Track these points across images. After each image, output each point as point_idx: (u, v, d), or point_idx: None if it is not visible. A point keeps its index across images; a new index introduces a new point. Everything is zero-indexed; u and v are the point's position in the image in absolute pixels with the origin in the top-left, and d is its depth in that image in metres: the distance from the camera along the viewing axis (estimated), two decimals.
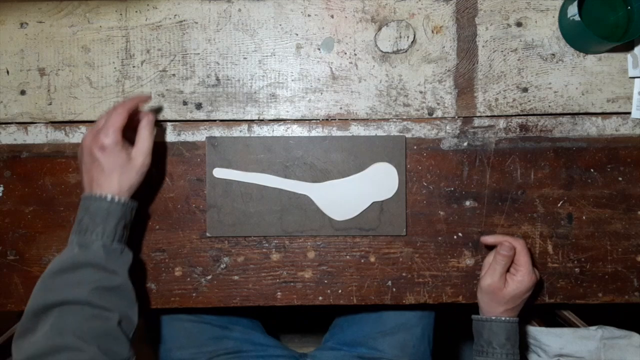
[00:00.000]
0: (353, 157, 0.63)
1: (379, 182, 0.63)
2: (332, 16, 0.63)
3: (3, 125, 0.64)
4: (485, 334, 0.59)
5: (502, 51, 0.63)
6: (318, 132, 0.64)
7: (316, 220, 0.63)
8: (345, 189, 0.63)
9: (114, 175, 0.53)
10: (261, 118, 0.64)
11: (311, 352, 0.77)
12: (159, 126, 0.63)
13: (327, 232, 0.63)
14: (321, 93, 0.64)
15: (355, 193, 0.63)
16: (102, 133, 0.52)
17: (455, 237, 0.64)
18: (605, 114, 0.64)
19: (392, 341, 0.72)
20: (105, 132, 0.52)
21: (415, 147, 0.64)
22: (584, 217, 0.63)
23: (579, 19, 0.57)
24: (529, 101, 0.63)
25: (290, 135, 0.64)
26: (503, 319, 0.58)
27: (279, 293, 0.64)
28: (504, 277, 0.58)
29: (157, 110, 0.63)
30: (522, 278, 0.57)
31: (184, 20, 0.63)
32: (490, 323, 0.59)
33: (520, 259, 0.58)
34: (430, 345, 0.74)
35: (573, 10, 0.58)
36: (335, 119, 0.64)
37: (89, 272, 0.50)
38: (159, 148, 0.63)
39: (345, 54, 0.63)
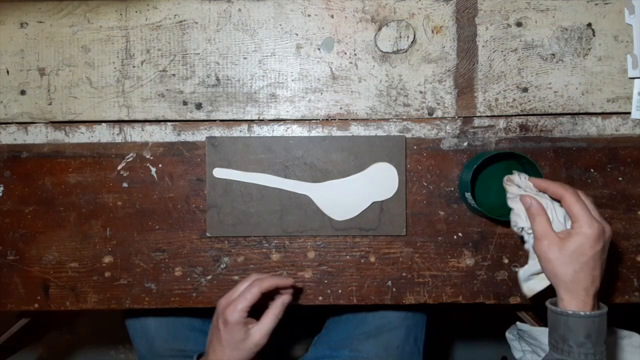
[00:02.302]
0: (353, 157, 0.63)
1: (379, 182, 0.63)
2: (332, 16, 0.63)
3: (3, 125, 0.64)
4: (560, 329, 0.49)
5: (502, 51, 0.63)
6: (318, 132, 0.64)
7: (316, 220, 0.63)
8: (345, 189, 0.63)
9: (226, 350, 0.54)
10: (261, 118, 0.64)
11: None
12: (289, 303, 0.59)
13: (327, 232, 0.63)
14: (321, 93, 0.64)
15: (355, 193, 0.63)
16: (230, 307, 0.53)
17: (455, 237, 0.64)
18: (605, 114, 0.64)
19: (376, 342, 0.72)
20: (232, 309, 0.53)
21: (415, 147, 0.64)
22: None
23: (474, 203, 0.58)
24: (529, 101, 0.63)
25: (290, 135, 0.64)
26: (582, 314, 0.48)
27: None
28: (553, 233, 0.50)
29: (295, 292, 0.61)
30: (578, 230, 0.48)
31: (184, 20, 0.63)
32: (566, 318, 0.49)
33: (572, 210, 0.50)
34: (419, 345, 0.74)
35: (469, 197, 0.59)
36: (335, 119, 0.64)
37: None
38: (158, 148, 0.64)
39: (345, 54, 0.63)
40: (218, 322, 0.54)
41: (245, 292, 0.54)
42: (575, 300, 0.49)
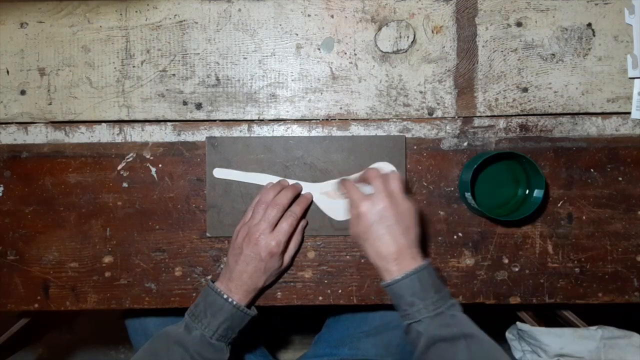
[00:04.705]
0: (353, 157, 0.63)
1: None
2: (332, 16, 0.63)
3: (3, 125, 0.64)
4: (393, 300, 0.54)
5: (502, 51, 0.63)
6: (318, 132, 0.64)
7: (316, 220, 0.63)
8: None
9: (264, 276, 0.59)
10: (261, 118, 0.64)
11: None
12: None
13: (327, 232, 0.63)
14: (321, 93, 0.64)
15: None
16: (274, 242, 0.57)
17: (455, 237, 0.64)
18: (605, 114, 0.64)
19: (376, 341, 0.72)
20: (278, 242, 0.57)
21: (415, 147, 0.64)
22: (584, 217, 0.63)
23: (474, 203, 0.58)
24: (529, 101, 0.63)
25: (290, 135, 0.64)
26: (390, 280, 0.52)
27: (279, 293, 0.64)
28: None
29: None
30: (351, 214, 0.56)
31: (184, 20, 0.63)
32: (389, 288, 0.53)
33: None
34: None
35: (469, 197, 0.59)
36: (335, 119, 0.64)
37: (180, 352, 0.55)
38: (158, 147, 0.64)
39: (345, 54, 0.63)
40: (261, 254, 0.57)
41: (289, 224, 0.58)
42: (387, 271, 0.53)
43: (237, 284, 0.57)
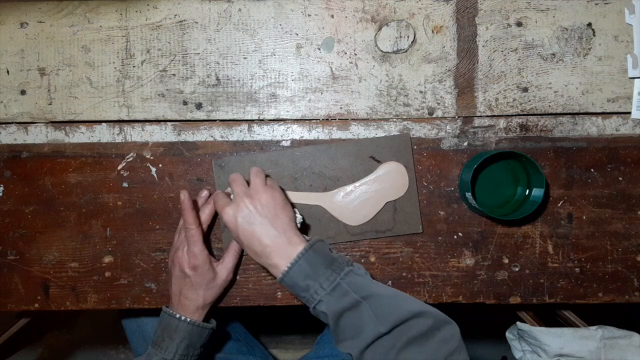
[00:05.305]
0: (360, 160, 0.63)
1: (390, 182, 0.63)
2: (332, 16, 0.63)
3: (3, 125, 0.64)
4: (290, 290, 0.53)
5: (502, 51, 0.63)
6: (318, 132, 0.64)
7: (331, 228, 0.63)
8: (357, 194, 0.63)
9: (199, 291, 0.58)
10: (261, 118, 0.64)
11: None
12: None
13: (343, 239, 0.63)
14: (321, 93, 0.64)
15: (368, 196, 0.63)
16: (189, 254, 0.57)
17: (455, 237, 0.64)
18: (605, 114, 0.64)
19: None
20: (192, 254, 0.57)
21: (415, 147, 0.64)
22: (584, 217, 0.63)
23: (475, 203, 0.58)
24: (529, 101, 0.63)
25: (290, 135, 0.64)
26: (284, 270, 0.51)
27: (279, 293, 0.64)
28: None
29: None
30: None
31: (184, 20, 0.63)
32: (282, 282, 0.52)
33: None
34: None
35: (470, 197, 0.59)
36: (335, 119, 0.64)
37: None
38: (159, 147, 0.64)
39: (346, 53, 0.63)
40: (185, 271, 0.57)
41: (189, 235, 0.57)
42: (273, 267, 0.52)
43: (181, 304, 0.58)
